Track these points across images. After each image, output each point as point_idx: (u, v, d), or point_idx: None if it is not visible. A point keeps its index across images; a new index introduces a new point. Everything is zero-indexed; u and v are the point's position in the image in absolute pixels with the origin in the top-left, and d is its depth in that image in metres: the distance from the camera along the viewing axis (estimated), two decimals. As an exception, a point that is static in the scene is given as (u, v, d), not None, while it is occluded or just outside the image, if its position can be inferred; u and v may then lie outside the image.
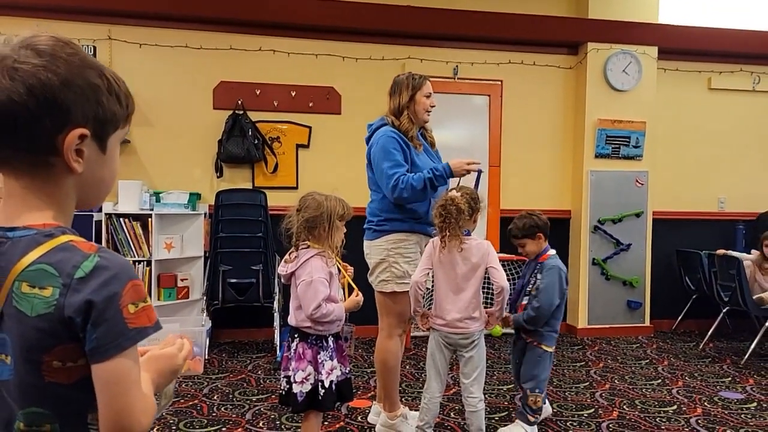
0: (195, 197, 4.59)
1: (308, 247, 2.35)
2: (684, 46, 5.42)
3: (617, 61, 5.26)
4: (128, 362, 0.80)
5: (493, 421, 3.20)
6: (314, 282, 2.26)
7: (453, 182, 2.89)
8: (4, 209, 0.84)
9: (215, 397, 3.48)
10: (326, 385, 2.31)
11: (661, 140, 5.48)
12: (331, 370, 2.34)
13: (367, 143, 2.98)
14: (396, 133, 2.85)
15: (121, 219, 4.21)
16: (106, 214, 4.19)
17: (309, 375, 2.31)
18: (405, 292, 2.82)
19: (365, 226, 2.97)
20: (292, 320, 2.39)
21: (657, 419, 3.28)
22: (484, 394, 3.62)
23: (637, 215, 5.33)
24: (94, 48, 4.45)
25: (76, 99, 0.81)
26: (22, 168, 0.83)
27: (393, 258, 2.85)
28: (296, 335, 2.37)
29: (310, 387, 2.30)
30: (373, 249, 2.90)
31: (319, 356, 2.33)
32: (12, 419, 0.81)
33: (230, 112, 4.77)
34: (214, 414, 3.21)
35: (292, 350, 2.36)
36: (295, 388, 2.30)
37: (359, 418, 3.19)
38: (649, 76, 5.33)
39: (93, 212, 4.20)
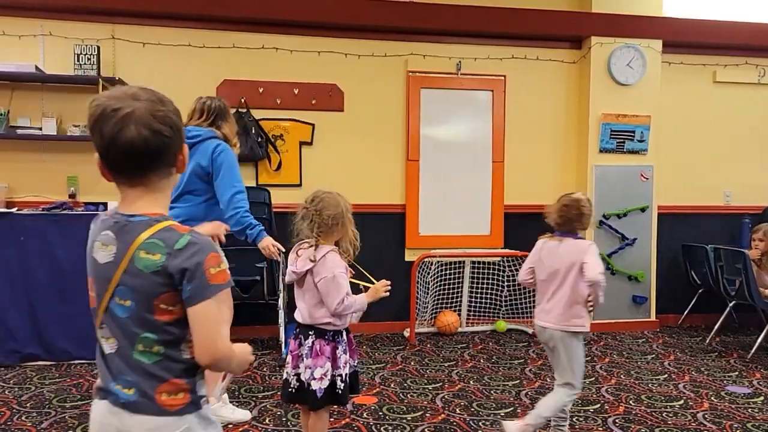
0: (199, 195, 4.59)
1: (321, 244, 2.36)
2: (689, 40, 5.38)
3: (621, 55, 5.23)
4: (211, 306, 1.19)
5: (498, 416, 3.21)
6: (336, 277, 2.29)
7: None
8: (125, 203, 1.25)
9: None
10: (345, 379, 2.35)
11: (666, 134, 5.46)
12: (345, 364, 2.38)
13: (196, 143, 2.99)
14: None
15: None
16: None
17: (327, 371, 2.32)
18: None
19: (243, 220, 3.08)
20: (305, 318, 2.37)
21: (663, 414, 3.28)
22: (490, 391, 3.63)
23: (642, 210, 5.31)
24: (98, 48, 4.46)
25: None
26: (152, 181, 1.24)
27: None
28: (311, 332, 2.35)
29: (328, 382, 2.32)
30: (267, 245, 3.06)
31: (336, 351, 2.35)
32: (134, 341, 1.21)
33: (233, 110, 4.77)
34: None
35: (306, 347, 2.34)
36: (314, 385, 2.30)
37: (365, 414, 3.20)
38: (654, 69, 5.31)
39: (99, 212, 4.22)
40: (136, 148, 1.18)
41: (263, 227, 3.07)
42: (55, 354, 4.06)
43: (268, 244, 3.04)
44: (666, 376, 4.00)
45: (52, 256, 4.04)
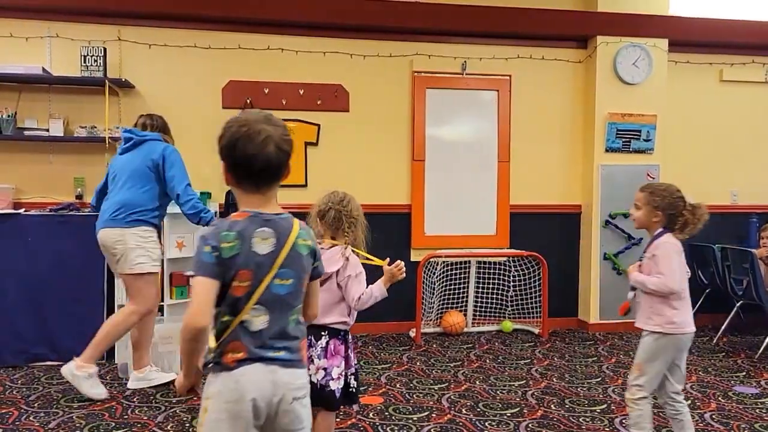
0: (205, 196, 4.61)
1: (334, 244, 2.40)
2: (695, 38, 5.36)
3: (627, 54, 5.22)
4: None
5: (505, 417, 3.20)
6: (361, 274, 2.38)
7: None
8: (265, 206, 1.54)
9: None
10: (357, 377, 2.40)
11: (672, 133, 5.44)
12: (353, 363, 2.42)
13: (138, 143, 3.56)
14: None
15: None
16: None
17: (342, 370, 2.35)
18: (156, 273, 3.51)
19: (115, 215, 3.41)
20: (318, 319, 2.35)
21: (670, 414, 3.26)
22: (496, 391, 3.63)
23: (649, 209, 5.28)
24: (104, 49, 4.48)
25: None
26: (274, 187, 1.56)
27: (150, 244, 3.46)
28: (323, 333, 2.34)
29: (343, 382, 2.34)
30: (132, 236, 3.40)
31: (348, 351, 2.39)
32: (290, 312, 1.53)
33: (239, 110, 4.78)
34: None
35: (319, 348, 2.33)
36: (333, 385, 2.30)
37: (371, 414, 3.20)
38: (660, 69, 5.29)
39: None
40: (273, 163, 1.49)
41: (213, 212, 3.56)
42: (62, 354, 4.06)
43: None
44: (673, 376, 3.98)
45: (60, 256, 4.06)
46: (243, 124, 1.48)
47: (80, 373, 3.32)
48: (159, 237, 3.62)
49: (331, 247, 2.38)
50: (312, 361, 2.33)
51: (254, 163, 1.47)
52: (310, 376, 2.31)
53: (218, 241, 1.45)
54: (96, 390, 3.37)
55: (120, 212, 3.41)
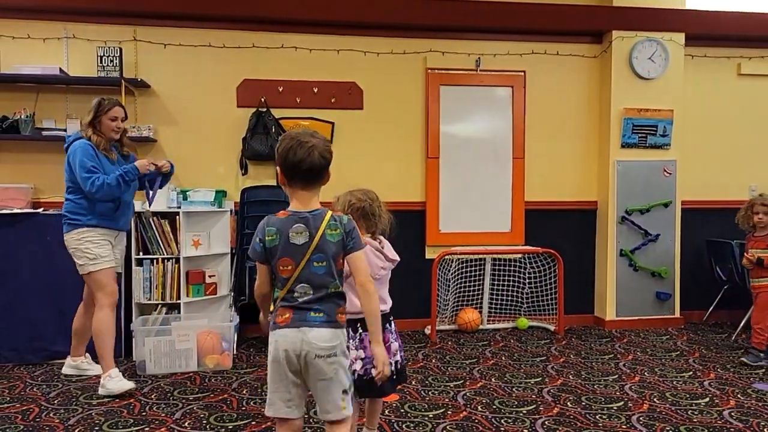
0: (221, 195, 4.65)
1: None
2: (712, 32, 5.29)
3: (643, 48, 5.16)
4: (361, 254, 2.02)
5: (521, 414, 3.19)
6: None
7: None
8: (304, 203, 1.98)
9: (244, 392, 3.53)
10: (396, 366, 2.50)
11: (689, 128, 5.38)
12: (395, 352, 2.53)
13: (66, 152, 3.53)
14: (89, 144, 3.49)
15: (150, 217, 4.28)
16: (135, 212, 4.25)
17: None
18: (99, 270, 3.50)
19: (63, 221, 3.54)
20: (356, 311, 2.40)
21: (688, 412, 3.23)
22: (512, 388, 3.61)
23: (666, 205, 5.24)
24: (120, 49, 4.52)
25: None
26: (317, 187, 2.00)
27: (84, 246, 3.48)
28: (359, 324, 2.38)
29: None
30: (70, 240, 3.50)
31: (390, 338, 2.50)
32: (328, 286, 1.96)
33: (254, 109, 4.81)
34: (243, 408, 3.25)
35: (357, 339, 2.42)
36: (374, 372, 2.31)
37: (386, 411, 3.20)
38: (676, 63, 5.23)
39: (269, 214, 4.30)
40: (316, 168, 1.94)
41: (121, 170, 3.48)
42: (81, 351, 4.13)
43: (142, 163, 3.57)
44: (691, 373, 3.94)
45: (78, 255, 4.11)
46: (294, 137, 1.95)
47: (105, 380, 3.47)
48: (115, 232, 3.65)
49: (375, 241, 2.50)
50: (350, 352, 2.38)
51: (302, 166, 1.92)
52: (351, 365, 2.36)
53: (264, 235, 1.96)
54: (123, 383, 3.47)
55: (63, 221, 3.55)
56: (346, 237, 1.97)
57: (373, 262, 2.52)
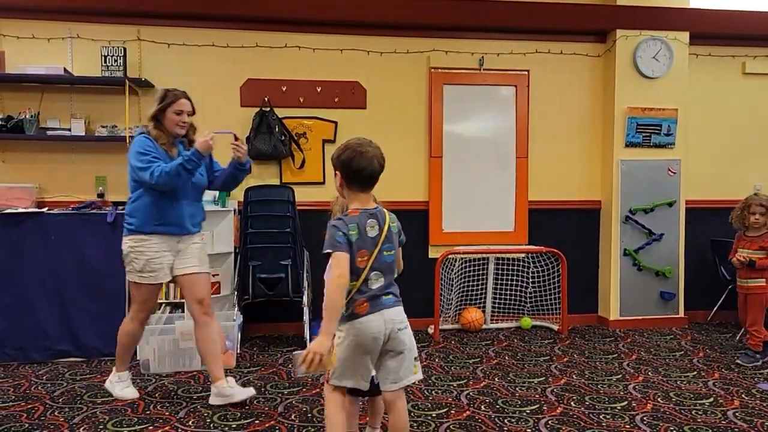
0: (224, 194, 4.65)
1: None
2: (717, 31, 5.27)
3: (647, 47, 5.15)
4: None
5: (524, 414, 3.19)
6: None
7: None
8: (364, 203, 2.26)
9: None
10: None
11: (693, 127, 5.36)
12: None
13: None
14: (148, 137, 3.19)
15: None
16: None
17: None
18: (142, 284, 3.24)
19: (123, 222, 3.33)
20: None
21: (692, 412, 3.23)
22: (515, 388, 3.61)
23: (670, 204, 5.22)
24: (125, 49, 4.53)
25: None
26: (371, 190, 2.29)
27: (135, 254, 3.20)
28: None
29: None
30: (124, 245, 3.26)
31: None
32: (394, 271, 2.31)
33: (257, 109, 4.82)
34: (247, 407, 3.26)
35: None
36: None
37: (390, 410, 3.20)
38: (681, 62, 5.21)
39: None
40: (375, 174, 2.24)
41: (181, 157, 3.13)
42: (85, 350, 4.15)
43: (202, 143, 3.18)
44: (695, 373, 3.93)
45: (82, 254, 4.13)
46: (356, 148, 2.21)
47: (113, 379, 3.44)
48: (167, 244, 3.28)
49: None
50: None
51: (364, 173, 2.21)
52: None
53: (347, 231, 2.17)
54: (126, 391, 3.41)
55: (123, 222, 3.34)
56: (401, 231, 2.36)
57: None
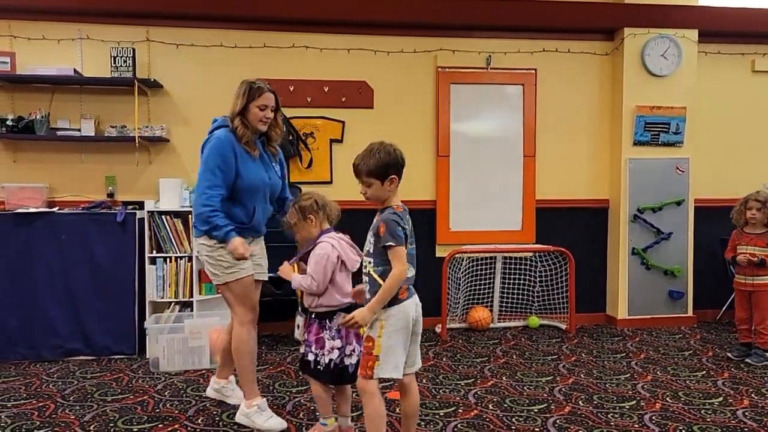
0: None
1: None
2: (726, 28, 5.24)
3: (655, 45, 5.13)
4: None
5: (532, 413, 3.19)
6: None
7: None
8: (393, 200, 2.40)
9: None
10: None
11: (702, 126, 5.33)
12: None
13: (205, 140, 3.00)
14: (229, 137, 2.92)
15: (163, 216, 4.32)
16: (148, 211, 4.29)
17: (353, 348, 2.71)
18: (237, 279, 2.95)
19: (193, 223, 3.07)
20: (341, 299, 2.73)
21: (702, 411, 3.22)
22: (523, 387, 3.61)
23: (678, 203, 5.20)
24: (134, 50, 4.56)
25: None
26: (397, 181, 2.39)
27: (218, 252, 2.93)
28: (335, 315, 2.72)
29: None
30: (201, 246, 2.99)
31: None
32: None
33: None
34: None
35: (334, 330, 2.69)
36: (347, 361, 2.67)
37: (397, 409, 3.21)
38: (690, 60, 5.18)
39: (135, 210, 4.32)
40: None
41: (220, 227, 2.90)
42: (96, 349, 4.18)
43: (233, 248, 2.91)
44: (704, 372, 3.92)
45: (92, 254, 4.17)
46: (395, 148, 2.38)
47: (250, 410, 3.01)
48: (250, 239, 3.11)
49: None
50: (324, 343, 2.66)
51: (403, 170, 2.40)
52: (323, 356, 2.64)
53: (404, 224, 2.32)
54: (272, 421, 2.99)
55: (194, 223, 3.06)
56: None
57: (349, 258, 2.71)
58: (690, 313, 5.27)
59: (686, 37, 5.16)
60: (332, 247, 2.66)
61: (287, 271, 2.74)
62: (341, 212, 2.87)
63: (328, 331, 2.66)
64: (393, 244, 2.27)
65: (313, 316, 2.72)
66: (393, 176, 2.34)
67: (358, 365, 2.46)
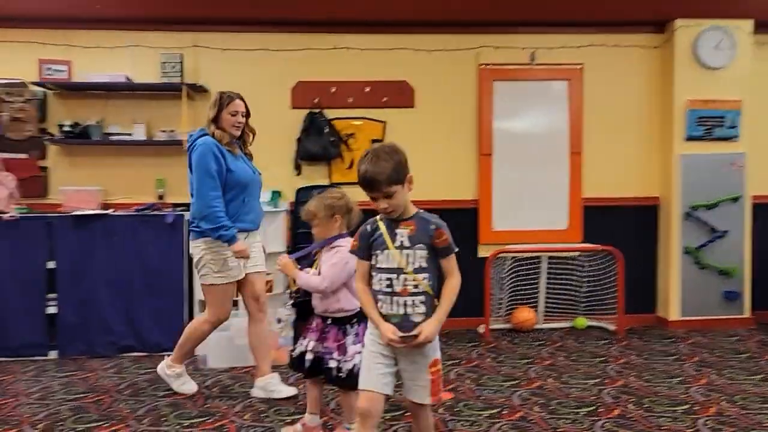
0: (277, 195, 4.75)
1: None
2: (783, 17, 5.01)
3: (708, 37, 4.94)
4: None
5: (579, 415, 3.12)
6: None
7: None
8: (403, 207, 2.16)
9: (301, 386, 3.58)
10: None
11: (759, 119, 5.11)
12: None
13: (189, 151, 3.32)
14: (214, 143, 3.26)
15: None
16: (195, 213, 4.40)
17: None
18: (220, 284, 3.28)
19: (189, 227, 3.39)
20: (355, 306, 2.64)
21: (759, 416, 3.08)
22: (570, 389, 3.54)
23: (734, 200, 5.00)
24: (182, 56, 4.69)
25: None
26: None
27: (212, 255, 3.26)
28: (355, 319, 2.70)
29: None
30: (195, 249, 3.30)
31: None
32: None
33: (307, 110, 4.89)
34: (300, 402, 3.31)
35: (353, 334, 2.66)
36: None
37: (440, 409, 3.20)
38: (744, 51, 4.97)
39: (184, 212, 4.44)
40: None
41: (224, 231, 3.23)
42: (148, 346, 4.33)
43: (237, 249, 3.27)
44: (762, 376, 3.75)
45: (143, 254, 4.32)
46: (395, 144, 2.22)
47: (169, 372, 3.48)
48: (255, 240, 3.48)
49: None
50: (346, 348, 2.61)
51: None
52: (346, 362, 2.58)
53: None
54: (186, 386, 3.49)
55: (190, 227, 3.38)
56: None
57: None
58: (747, 314, 5.05)
59: (740, 28, 4.95)
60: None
61: (289, 267, 2.72)
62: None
63: (349, 337, 2.62)
64: (456, 250, 2.15)
65: (329, 321, 2.68)
66: (410, 174, 2.14)
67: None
